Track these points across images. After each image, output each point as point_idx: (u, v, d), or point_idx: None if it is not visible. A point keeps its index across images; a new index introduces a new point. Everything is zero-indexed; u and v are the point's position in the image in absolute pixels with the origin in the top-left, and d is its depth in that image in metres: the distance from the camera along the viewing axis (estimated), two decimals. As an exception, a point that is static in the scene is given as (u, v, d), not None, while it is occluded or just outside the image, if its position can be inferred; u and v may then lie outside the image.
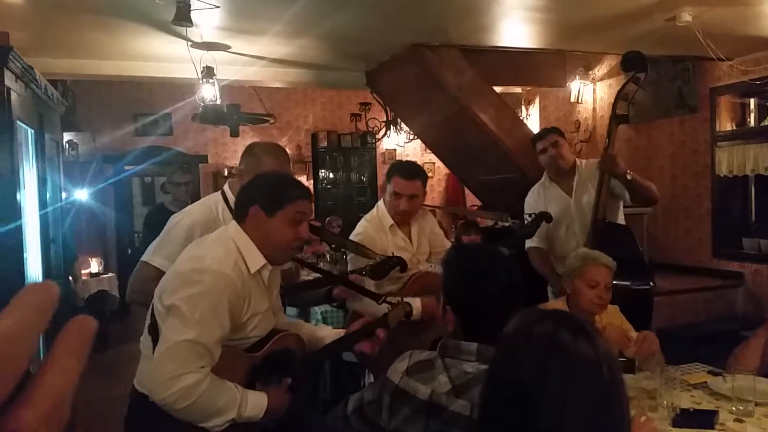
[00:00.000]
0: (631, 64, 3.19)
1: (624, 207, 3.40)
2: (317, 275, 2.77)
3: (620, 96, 3.24)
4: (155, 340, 1.72)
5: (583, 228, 3.26)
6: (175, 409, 1.61)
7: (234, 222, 1.83)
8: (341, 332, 2.13)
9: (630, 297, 2.82)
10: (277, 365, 1.83)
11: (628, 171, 3.13)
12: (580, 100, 6.54)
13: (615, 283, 2.41)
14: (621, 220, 3.38)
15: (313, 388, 1.99)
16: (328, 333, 2.14)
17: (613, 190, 3.26)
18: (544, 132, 3.49)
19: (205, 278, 1.67)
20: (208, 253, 1.74)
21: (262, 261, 1.78)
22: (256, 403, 1.72)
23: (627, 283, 2.92)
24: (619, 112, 3.22)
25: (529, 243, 3.40)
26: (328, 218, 6.56)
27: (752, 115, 5.31)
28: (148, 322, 1.80)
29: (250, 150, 2.36)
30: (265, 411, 1.73)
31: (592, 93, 6.59)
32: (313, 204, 1.94)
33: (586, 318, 2.26)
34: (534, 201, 3.44)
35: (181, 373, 1.60)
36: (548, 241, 3.39)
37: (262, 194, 1.80)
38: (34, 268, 3.12)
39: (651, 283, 3.15)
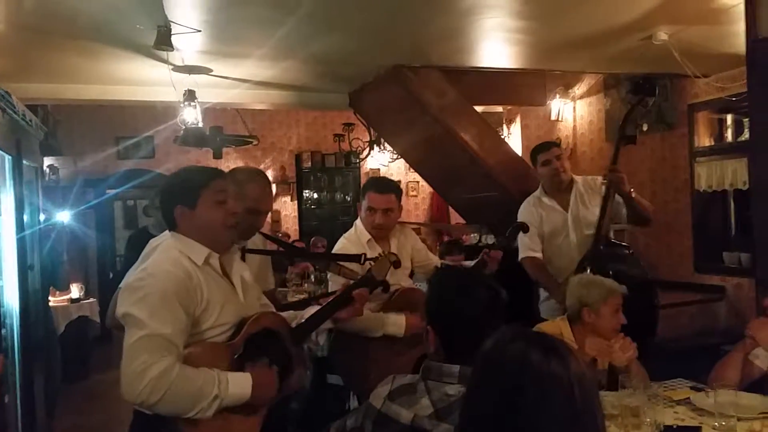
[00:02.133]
0: (640, 88, 3.26)
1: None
2: (302, 297, 2.75)
3: (630, 118, 3.28)
4: None
5: (579, 242, 3.28)
6: (151, 403, 1.62)
7: (169, 232, 1.90)
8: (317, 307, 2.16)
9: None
10: (260, 346, 1.84)
11: (632, 189, 3.17)
12: (560, 119, 6.61)
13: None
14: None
15: (284, 399, 1.97)
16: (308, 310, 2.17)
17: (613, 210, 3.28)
18: (547, 144, 3.47)
19: (147, 282, 1.73)
20: (150, 263, 1.82)
21: (206, 251, 1.83)
22: (238, 381, 1.73)
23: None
24: (629, 133, 3.27)
25: (522, 253, 3.36)
26: (313, 239, 6.55)
27: (729, 130, 5.39)
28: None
29: (232, 178, 2.30)
30: (252, 387, 1.74)
31: (572, 111, 6.66)
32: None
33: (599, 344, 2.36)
34: (529, 214, 3.40)
35: (144, 367, 1.62)
36: (543, 254, 3.38)
37: (177, 193, 1.86)
38: (10, 296, 3.07)
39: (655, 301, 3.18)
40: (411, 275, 3.09)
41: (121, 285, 1.83)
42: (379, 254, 2.44)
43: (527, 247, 3.36)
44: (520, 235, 3.28)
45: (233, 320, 1.85)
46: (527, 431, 1.01)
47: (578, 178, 3.40)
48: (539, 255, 3.36)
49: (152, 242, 2.26)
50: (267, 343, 1.86)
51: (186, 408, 1.66)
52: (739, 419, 1.94)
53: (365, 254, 2.50)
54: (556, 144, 3.50)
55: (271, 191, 2.44)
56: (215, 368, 1.73)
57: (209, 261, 1.84)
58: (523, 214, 3.44)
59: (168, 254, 1.82)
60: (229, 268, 1.93)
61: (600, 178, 3.38)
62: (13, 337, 3.14)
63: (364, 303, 2.11)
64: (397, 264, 2.41)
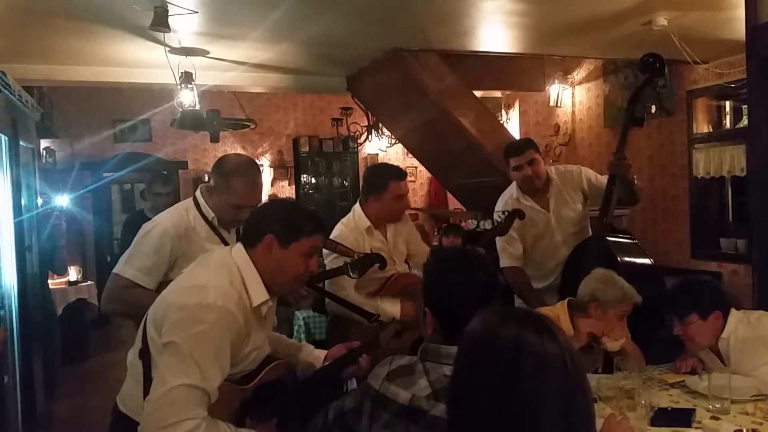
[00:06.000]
0: (649, 67, 3.10)
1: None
2: None
3: (639, 98, 3.13)
4: (147, 365, 1.66)
5: (564, 242, 3.21)
6: None
7: (240, 246, 1.75)
8: (321, 353, 2.07)
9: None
10: (269, 397, 1.79)
11: (634, 176, 3.11)
12: (559, 104, 6.60)
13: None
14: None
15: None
16: (309, 352, 2.08)
17: (587, 195, 3.25)
18: (520, 147, 3.23)
19: (209, 316, 1.58)
20: (212, 282, 1.65)
21: (265, 295, 1.72)
22: None
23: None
24: (638, 115, 3.11)
25: (505, 262, 3.22)
26: (310, 223, 6.55)
27: (728, 117, 5.39)
28: (139, 346, 1.72)
29: (220, 168, 2.29)
30: None
31: (571, 97, 6.65)
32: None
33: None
34: None
35: (178, 421, 1.51)
36: (526, 256, 3.26)
37: (279, 223, 1.73)
38: (8, 276, 3.07)
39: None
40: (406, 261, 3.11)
41: (173, 293, 1.67)
42: (389, 320, 2.37)
43: (511, 255, 3.22)
44: (502, 242, 3.19)
45: (255, 366, 1.79)
46: (525, 411, 1.02)
47: (554, 174, 3.23)
48: (519, 264, 3.23)
49: (146, 226, 2.26)
50: (273, 395, 1.80)
51: None
52: (732, 401, 1.97)
53: (378, 315, 2.48)
54: (530, 144, 3.23)
55: (259, 184, 2.37)
56: (225, 408, 1.65)
57: (261, 306, 1.73)
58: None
59: (232, 279, 1.67)
60: (268, 313, 1.83)
61: (575, 169, 3.31)
62: (11, 318, 3.14)
63: (368, 367, 2.06)
64: (399, 334, 2.39)
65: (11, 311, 3.14)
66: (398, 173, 2.91)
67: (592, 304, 2.40)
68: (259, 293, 1.70)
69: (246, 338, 1.68)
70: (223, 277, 1.66)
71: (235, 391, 1.72)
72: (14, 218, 3.15)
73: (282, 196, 8.98)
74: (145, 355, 1.68)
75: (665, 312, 2.43)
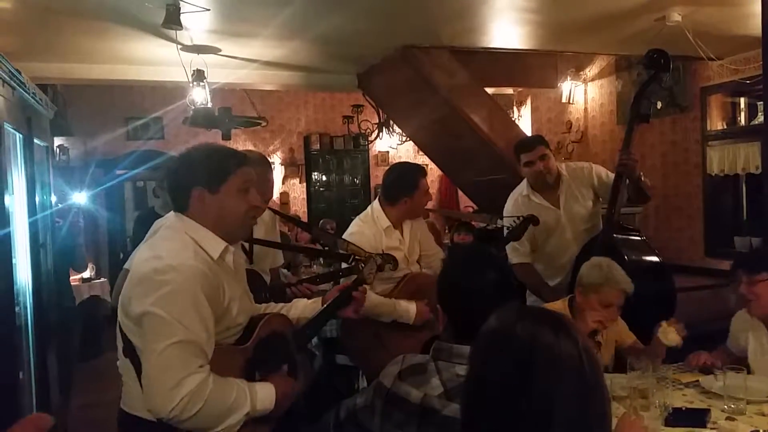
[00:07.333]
0: (654, 63, 3.07)
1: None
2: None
3: (644, 95, 3.11)
4: (135, 362, 1.59)
5: (575, 238, 3.20)
6: (185, 419, 1.47)
7: (175, 214, 1.70)
8: (317, 302, 2.04)
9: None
10: (272, 351, 1.75)
11: (642, 173, 3.10)
12: (571, 101, 6.56)
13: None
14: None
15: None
16: (302, 305, 2.04)
17: (598, 192, 3.24)
18: (531, 143, 3.25)
19: (171, 276, 1.52)
20: (163, 250, 1.59)
21: (222, 244, 1.66)
22: (265, 394, 1.62)
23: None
24: (643, 111, 3.10)
25: (513, 259, 3.21)
26: (321, 221, 6.56)
27: (743, 114, 5.34)
28: (120, 345, 1.66)
29: None
30: (275, 401, 1.64)
31: (583, 93, 6.61)
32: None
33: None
34: (518, 212, 3.18)
35: (181, 378, 1.46)
36: (536, 253, 3.27)
37: (200, 173, 1.66)
38: (23, 274, 3.10)
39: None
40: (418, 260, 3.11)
41: (131, 273, 1.62)
42: (366, 255, 2.39)
43: (519, 252, 3.23)
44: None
45: (245, 320, 1.74)
46: (539, 411, 1.01)
47: (565, 171, 3.24)
48: (529, 260, 3.25)
49: (158, 222, 2.27)
50: (275, 348, 1.76)
51: (215, 424, 1.52)
52: (748, 402, 1.95)
53: (354, 255, 2.47)
54: (541, 141, 3.25)
55: (270, 180, 2.39)
56: (230, 371, 1.61)
57: (224, 256, 1.67)
58: (511, 212, 3.26)
59: (182, 241, 1.62)
60: (236, 263, 1.78)
61: (586, 166, 3.29)
62: (27, 315, 3.17)
63: (363, 302, 2.06)
64: (381, 267, 2.37)
65: (26, 308, 3.17)
66: (422, 169, 2.98)
67: (577, 289, 2.37)
68: (214, 245, 1.65)
69: (219, 288, 1.62)
70: (172, 244, 1.61)
71: (236, 352, 1.68)
72: (29, 216, 3.17)
73: (293, 195, 9.01)
74: (129, 351, 1.62)
75: (734, 268, 2.34)
